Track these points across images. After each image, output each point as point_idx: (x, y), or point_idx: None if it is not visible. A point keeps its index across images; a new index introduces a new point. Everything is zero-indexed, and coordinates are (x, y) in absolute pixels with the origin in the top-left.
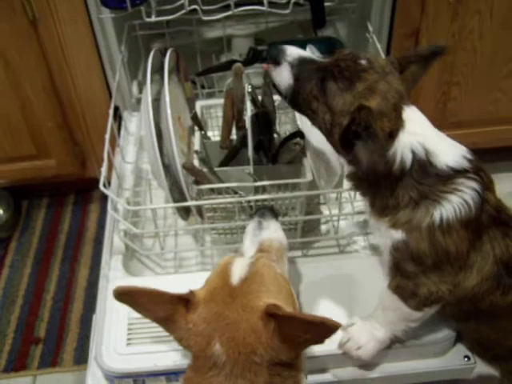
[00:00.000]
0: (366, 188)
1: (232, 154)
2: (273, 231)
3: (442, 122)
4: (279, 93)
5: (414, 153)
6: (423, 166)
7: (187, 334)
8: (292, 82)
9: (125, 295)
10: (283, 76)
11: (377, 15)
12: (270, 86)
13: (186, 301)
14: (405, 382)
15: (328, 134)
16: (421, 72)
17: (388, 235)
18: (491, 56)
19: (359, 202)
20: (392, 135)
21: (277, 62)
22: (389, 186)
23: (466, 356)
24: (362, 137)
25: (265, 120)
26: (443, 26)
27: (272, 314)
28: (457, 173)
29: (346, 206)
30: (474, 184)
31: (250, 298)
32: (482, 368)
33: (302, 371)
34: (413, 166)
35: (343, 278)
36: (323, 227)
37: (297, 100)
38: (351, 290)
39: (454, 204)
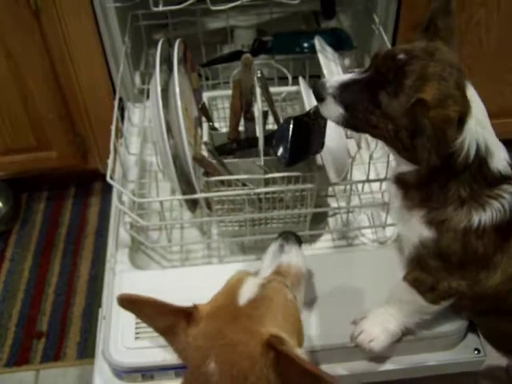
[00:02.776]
0: (415, 182)
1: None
2: (293, 256)
3: None
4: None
5: (478, 146)
6: (481, 164)
7: (186, 347)
8: (342, 111)
9: (128, 303)
10: (331, 110)
11: (383, 7)
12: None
13: (188, 314)
14: (415, 375)
15: (395, 143)
16: (451, 21)
17: (417, 230)
18: (497, 49)
19: (367, 195)
20: (462, 120)
21: (321, 99)
22: (444, 178)
23: (476, 349)
24: (416, 134)
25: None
26: None
27: (272, 346)
28: (503, 178)
29: (353, 199)
30: None
31: (253, 321)
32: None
33: None
34: (473, 161)
35: (352, 271)
36: (330, 220)
37: (354, 123)
38: (360, 283)
39: (494, 209)
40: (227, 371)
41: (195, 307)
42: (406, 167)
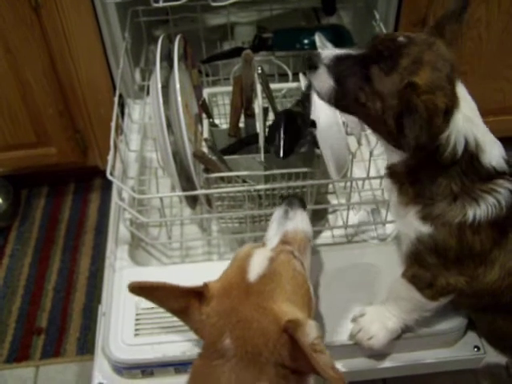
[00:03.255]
0: (405, 174)
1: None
2: (299, 221)
3: None
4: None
5: (466, 141)
6: (471, 159)
7: (201, 325)
8: (333, 83)
9: (140, 290)
10: (322, 79)
11: (383, 3)
12: (311, 96)
13: (199, 294)
14: (414, 372)
15: (380, 126)
16: (458, 28)
17: (413, 226)
18: (497, 45)
19: (367, 192)
20: (448, 113)
21: (314, 67)
22: (433, 173)
23: (475, 346)
24: (405, 113)
25: (291, 122)
26: None
27: (289, 333)
28: (497, 173)
29: (353, 196)
30: (510, 185)
31: (265, 298)
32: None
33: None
34: (463, 157)
35: (351, 268)
36: (330, 217)
37: (343, 100)
38: (360, 280)
39: (489, 204)
40: (242, 347)
41: (205, 286)
42: (396, 157)
